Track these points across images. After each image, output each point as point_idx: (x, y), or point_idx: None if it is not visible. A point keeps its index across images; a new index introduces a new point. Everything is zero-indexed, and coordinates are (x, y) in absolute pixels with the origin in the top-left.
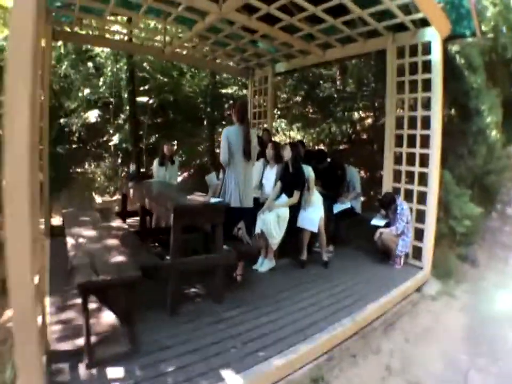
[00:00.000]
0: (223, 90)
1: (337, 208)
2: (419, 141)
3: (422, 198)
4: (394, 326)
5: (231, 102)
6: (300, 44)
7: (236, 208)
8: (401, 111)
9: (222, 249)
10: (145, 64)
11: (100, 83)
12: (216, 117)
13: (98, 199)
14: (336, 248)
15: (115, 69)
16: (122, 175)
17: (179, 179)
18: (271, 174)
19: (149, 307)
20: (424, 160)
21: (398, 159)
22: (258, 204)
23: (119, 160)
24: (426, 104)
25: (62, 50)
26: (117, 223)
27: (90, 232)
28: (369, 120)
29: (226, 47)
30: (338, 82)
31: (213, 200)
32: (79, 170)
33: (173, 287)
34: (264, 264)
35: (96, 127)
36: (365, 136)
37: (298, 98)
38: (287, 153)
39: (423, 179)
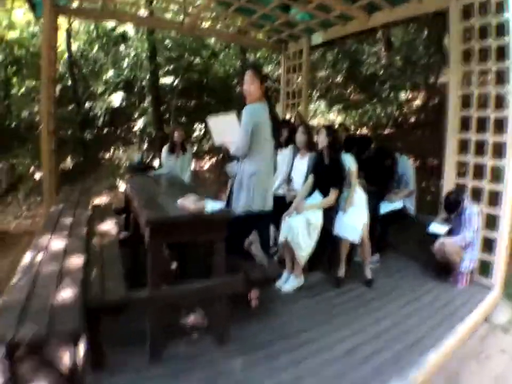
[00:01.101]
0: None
1: (385, 207)
2: (492, 124)
3: (494, 198)
4: (458, 379)
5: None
6: (340, 6)
7: (254, 214)
8: (467, 87)
9: (224, 274)
10: (167, 41)
11: (124, 64)
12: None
13: (122, 185)
14: (382, 258)
15: (138, 49)
16: (147, 161)
17: (194, 167)
18: (301, 165)
19: (124, 345)
20: (498, 150)
21: (463, 148)
22: (284, 204)
23: (145, 145)
24: (502, 78)
25: (94, 33)
26: (108, 224)
27: (58, 243)
28: (418, 101)
29: (252, 14)
30: (383, 59)
31: (212, 205)
32: (107, 155)
33: (152, 326)
34: (289, 282)
35: (122, 110)
36: (413, 119)
37: (339, 78)
38: (322, 139)
39: (497, 174)
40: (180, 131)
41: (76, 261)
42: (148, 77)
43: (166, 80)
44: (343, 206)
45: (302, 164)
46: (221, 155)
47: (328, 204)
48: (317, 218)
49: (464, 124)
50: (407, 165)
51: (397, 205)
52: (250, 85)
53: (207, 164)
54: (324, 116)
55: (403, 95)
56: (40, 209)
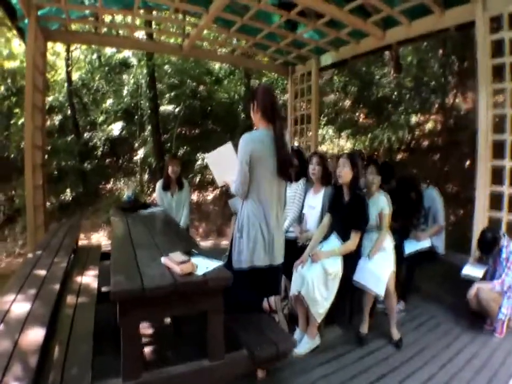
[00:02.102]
0: None
1: (411, 247)
2: None
3: None
4: None
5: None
6: (353, 22)
7: (261, 269)
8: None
9: (222, 352)
10: (167, 67)
11: (124, 92)
12: (251, 124)
13: None
14: (408, 306)
15: (138, 75)
16: (148, 192)
17: (197, 199)
18: (315, 202)
19: None
20: None
21: (496, 177)
22: (296, 249)
23: (146, 176)
24: None
25: (96, 62)
26: (89, 276)
27: (21, 308)
28: (430, 124)
29: (256, 34)
30: (393, 80)
31: (205, 265)
32: (107, 186)
33: None
34: (302, 344)
35: (122, 140)
36: (425, 143)
37: (347, 102)
38: (345, 172)
39: None
40: (175, 164)
41: (35, 336)
42: (148, 105)
43: (168, 107)
44: (368, 252)
45: (316, 200)
46: (224, 186)
47: (349, 249)
48: (336, 267)
49: (497, 150)
50: (434, 197)
51: (424, 244)
52: (251, 113)
53: (210, 195)
54: (332, 141)
55: (414, 118)
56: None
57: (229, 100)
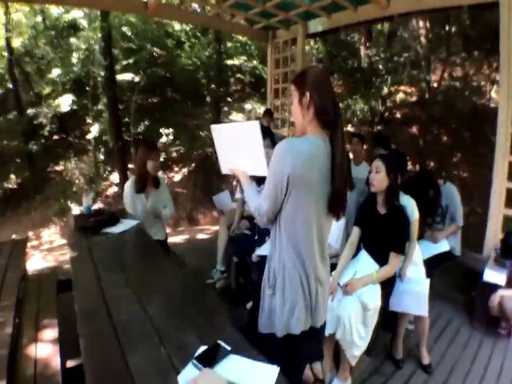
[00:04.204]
0: (229, 61)
1: (429, 250)
2: None
3: None
4: None
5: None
6: None
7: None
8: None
9: None
10: (125, 29)
11: (73, 60)
12: (221, 93)
13: (75, 209)
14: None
15: (90, 40)
16: (104, 175)
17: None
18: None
19: None
20: None
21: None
22: None
23: (101, 157)
24: None
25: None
26: (47, 344)
27: None
28: (403, 96)
29: None
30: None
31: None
32: (57, 168)
33: None
34: None
35: (72, 115)
36: (398, 115)
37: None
38: (378, 180)
39: None
40: (155, 158)
41: None
42: (102, 74)
43: (124, 76)
44: (398, 272)
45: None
46: (193, 164)
47: (387, 275)
48: (377, 300)
49: None
50: (454, 195)
51: (442, 247)
52: (292, 105)
53: (176, 176)
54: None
55: (388, 90)
56: None
57: (193, 67)
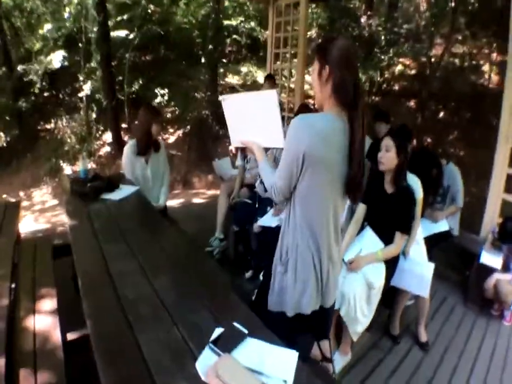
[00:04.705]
0: (226, 22)
1: (428, 229)
2: None
3: None
4: None
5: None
6: None
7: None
8: None
9: None
10: None
11: (66, 14)
12: (216, 54)
13: (67, 169)
14: None
15: None
16: (97, 135)
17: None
18: None
19: None
20: None
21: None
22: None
23: (93, 115)
24: None
25: None
26: (45, 311)
27: None
28: (402, 69)
29: None
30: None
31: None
32: (48, 126)
33: None
34: (335, 361)
35: (64, 72)
36: (396, 87)
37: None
38: (387, 159)
39: None
40: (159, 122)
41: None
42: (95, 30)
43: (119, 33)
44: (403, 249)
45: None
46: (189, 127)
47: (392, 255)
48: (381, 279)
49: None
50: (456, 175)
51: (442, 226)
52: (312, 73)
53: (171, 138)
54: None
55: (388, 61)
56: None
57: (188, 25)
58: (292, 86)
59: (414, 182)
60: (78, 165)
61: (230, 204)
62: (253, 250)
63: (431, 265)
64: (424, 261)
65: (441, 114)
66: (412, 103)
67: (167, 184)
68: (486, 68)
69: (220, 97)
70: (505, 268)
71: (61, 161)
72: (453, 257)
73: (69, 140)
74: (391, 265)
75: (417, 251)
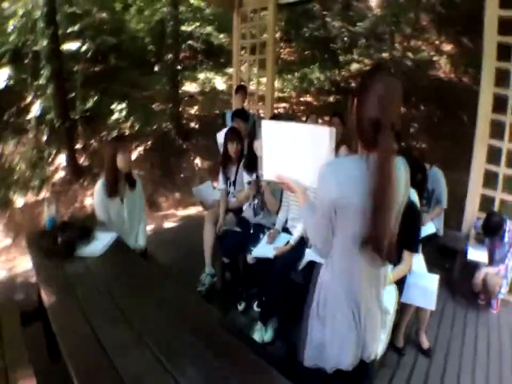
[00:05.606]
0: (183, 27)
1: None
2: None
3: None
4: None
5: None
6: None
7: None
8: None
9: None
10: None
11: (9, 28)
12: (170, 61)
13: (19, 200)
14: None
15: (29, 4)
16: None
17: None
18: None
19: None
20: None
21: (491, 156)
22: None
23: (44, 137)
24: None
25: None
26: None
27: None
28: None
29: None
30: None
31: None
32: None
33: None
34: None
35: (8, 92)
36: (354, 85)
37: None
38: None
39: None
40: (125, 152)
41: None
42: (44, 44)
43: (70, 46)
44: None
45: None
46: (150, 142)
47: (404, 273)
48: (393, 301)
49: (495, 130)
50: (439, 179)
51: (429, 228)
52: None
53: (132, 154)
54: (259, 82)
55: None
56: None
57: (142, 32)
58: (260, 93)
59: (412, 194)
60: (31, 194)
61: (216, 234)
62: (244, 281)
63: (435, 277)
64: (426, 272)
65: (402, 108)
66: None
67: (145, 220)
68: (441, 60)
69: (262, 122)
70: (490, 261)
71: (11, 192)
72: (436, 254)
73: (18, 167)
74: (400, 283)
75: (417, 262)
